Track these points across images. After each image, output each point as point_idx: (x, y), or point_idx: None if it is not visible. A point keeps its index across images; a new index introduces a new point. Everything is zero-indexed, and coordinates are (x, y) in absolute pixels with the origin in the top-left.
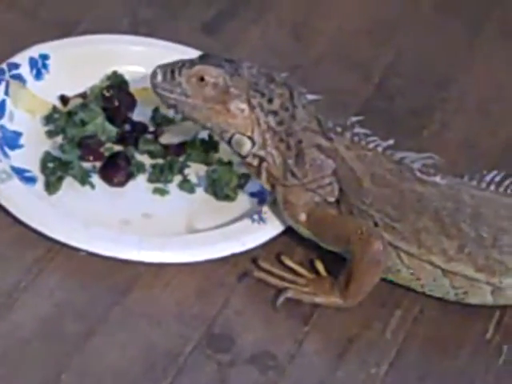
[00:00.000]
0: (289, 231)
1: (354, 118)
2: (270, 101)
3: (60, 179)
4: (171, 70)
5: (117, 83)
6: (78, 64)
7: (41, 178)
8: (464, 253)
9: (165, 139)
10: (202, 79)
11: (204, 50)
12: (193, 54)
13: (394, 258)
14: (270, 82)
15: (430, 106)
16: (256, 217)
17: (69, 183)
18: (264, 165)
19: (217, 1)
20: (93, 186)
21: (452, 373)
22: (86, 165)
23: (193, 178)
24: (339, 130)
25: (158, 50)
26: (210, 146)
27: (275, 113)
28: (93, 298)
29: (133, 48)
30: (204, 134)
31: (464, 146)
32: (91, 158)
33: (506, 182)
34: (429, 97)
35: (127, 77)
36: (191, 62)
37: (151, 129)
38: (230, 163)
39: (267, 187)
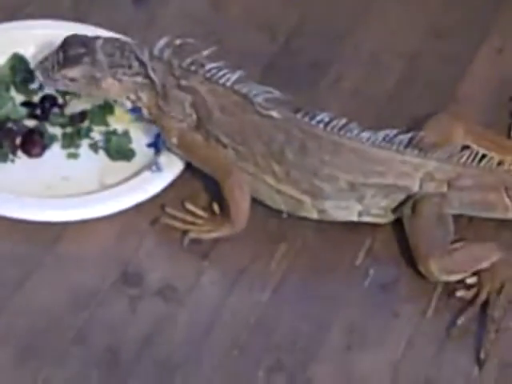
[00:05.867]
0: (193, 179)
1: (205, 53)
2: (130, 67)
3: None
4: (46, 69)
5: (17, 63)
6: None
7: None
8: (290, 177)
9: (69, 110)
10: (72, 79)
11: (131, 23)
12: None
13: None
14: (123, 51)
15: (328, 59)
16: (154, 168)
17: None
18: (144, 109)
19: None
20: (13, 161)
21: (325, 295)
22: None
23: (99, 141)
24: (193, 68)
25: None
26: (106, 109)
27: (138, 73)
28: (28, 249)
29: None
30: (100, 100)
31: (355, 94)
32: (9, 138)
33: (334, 122)
34: (327, 51)
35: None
36: (58, 63)
37: (60, 101)
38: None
39: (150, 120)
